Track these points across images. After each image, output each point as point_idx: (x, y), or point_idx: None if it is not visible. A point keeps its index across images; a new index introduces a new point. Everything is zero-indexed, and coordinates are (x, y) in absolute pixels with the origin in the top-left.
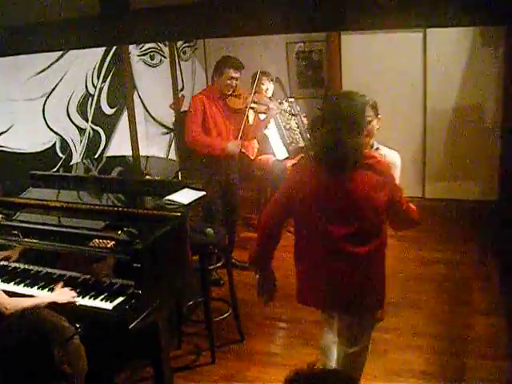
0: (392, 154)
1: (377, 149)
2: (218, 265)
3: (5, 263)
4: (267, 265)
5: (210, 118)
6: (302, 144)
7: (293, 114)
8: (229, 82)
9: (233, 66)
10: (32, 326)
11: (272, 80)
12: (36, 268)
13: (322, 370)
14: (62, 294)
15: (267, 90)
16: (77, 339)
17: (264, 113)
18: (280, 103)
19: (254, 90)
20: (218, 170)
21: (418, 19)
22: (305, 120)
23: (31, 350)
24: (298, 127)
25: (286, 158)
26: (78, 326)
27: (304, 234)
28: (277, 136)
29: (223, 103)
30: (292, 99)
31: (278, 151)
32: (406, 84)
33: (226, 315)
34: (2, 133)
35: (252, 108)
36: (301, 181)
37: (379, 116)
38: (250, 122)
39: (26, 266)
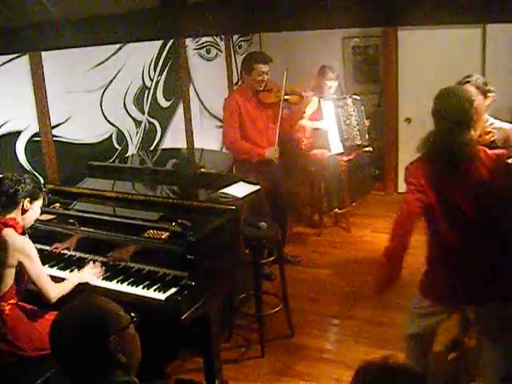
0: (506, 127)
1: (491, 124)
2: (271, 259)
3: (60, 251)
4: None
5: (246, 117)
6: (358, 142)
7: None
8: (260, 77)
9: (261, 60)
10: (89, 314)
11: (337, 77)
12: (91, 257)
13: (394, 363)
14: (90, 273)
15: (331, 86)
16: (132, 328)
17: (297, 103)
18: (344, 98)
19: (285, 83)
20: (263, 169)
21: (473, 15)
22: (367, 122)
23: (88, 338)
24: (357, 124)
25: (341, 154)
26: (133, 315)
27: (442, 233)
28: (335, 129)
29: (256, 100)
30: (357, 97)
31: (334, 145)
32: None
33: (276, 309)
34: (61, 124)
35: (286, 100)
36: (426, 182)
37: (489, 95)
38: (309, 112)
39: (82, 255)
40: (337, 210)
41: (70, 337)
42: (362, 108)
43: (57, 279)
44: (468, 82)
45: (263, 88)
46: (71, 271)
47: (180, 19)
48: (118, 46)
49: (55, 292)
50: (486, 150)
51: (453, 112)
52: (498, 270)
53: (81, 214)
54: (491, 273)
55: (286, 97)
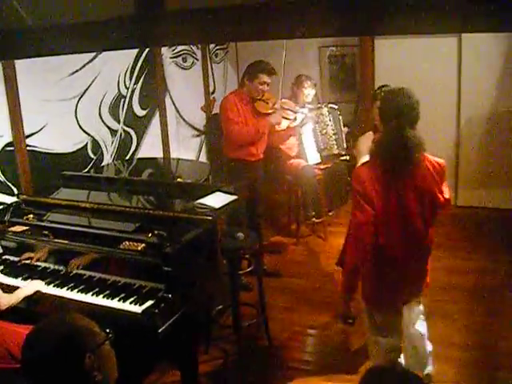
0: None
1: None
2: (248, 270)
3: (33, 262)
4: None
5: (242, 120)
6: (335, 151)
7: (329, 120)
8: (261, 86)
9: (266, 71)
10: (63, 331)
11: (314, 85)
12: (65, 269)
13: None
14: (29, 288)
15: (308, 95)
16: (108, 345)
17: (288, 119)
18: (319, 108)
19: (280, 95)
20: (245, 174)
21: (451, 25)
22: (345, 130)
23: (62, 356)
24: (334, 134)
25: (318, 164)
26: (108, 331)
27: (387, 234)
28: (311, 140)
29: (252, 107)
30: (334, 105)
31: (310, 155)
32: (440, 89)
33: (254, 320)
34: (35, 133)
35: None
36: (375, 186)
37: None
38: (283, 127)
39: (56, 267)
40: (314, 219)
41: (44, 355)
42: (340, 117)
43: None
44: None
45: (260, 97)
46: (46, 284)
47: (155, 27)
48: (92, 54)
49: (5, 300)
50: (429, 156)
51: (406, 111)
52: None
53: (55, 225)
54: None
55: (282, 111)
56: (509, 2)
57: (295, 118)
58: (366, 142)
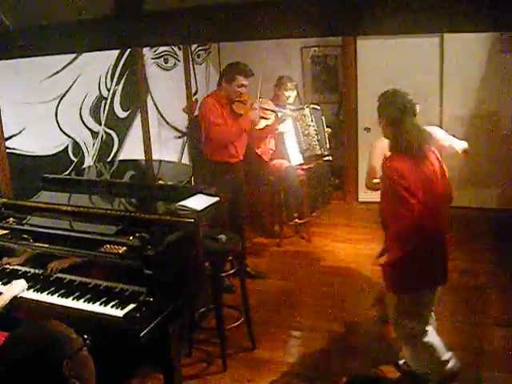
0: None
1: None
2: (230, 272)
3: (9, 266)
4: None
5: (221, 119)
6: (318, 152)
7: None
8: (238, 88)
9: (244, 73)
10: (40, 338)
11: (296, 87)
12: (46, 273)
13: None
14: (15, 287)
15: (289, 96)
16: (85, 351)
17: (266, 118)
18: (301, 108)
19: (259, 95)
20: (227, 176)
21: (435, 25)
22: (328, 130)
23: (39, 364)
24: (316, 134)
25: (301, 164)
26: (86, 336)
27: (427, 218)
28: (293, 141)
29: (230, 108)
30: (316, 106)
31: (293, 156)
32: (423, 90)
33: (237, 323)
34: (15, 135)
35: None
36: (413, 177)
37: None
38: (260, 126)
39: (36, 271)
40: (297, 220)
41: (21, 362)
42: (323, 117)
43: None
44: None
45: (239, 98)
46: (26, 289)
47: (136, 28)
48: (73, 55)
49: None
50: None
51: (409, 106)
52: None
53: (35, 228)
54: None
55: (261, 111)
56: (491, 2)
57: (275, 118)
58: (381, 145)
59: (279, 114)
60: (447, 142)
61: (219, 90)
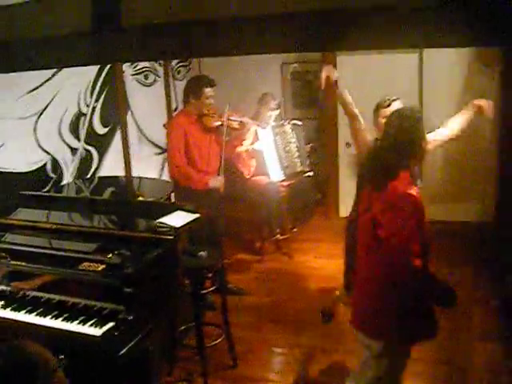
0: None
1: None
2: (211, 289)
3: None
4: None
5: (191, 140)
6: (299, 169)
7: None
8: (208, 101)
9: (209, 84)
10: (14, 359)
11: (279, 106)
12: (23, 292)
13: None
14: None
15: (271, 116)
16: (61, 372)
17: (238, 129)
18: (282, 125)
19: (227, 108)
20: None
21: (413, 39)
22: (307, 147)
23: None
24: (297, 151)
25: (282, 181)
26: (61, 357)
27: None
28: (274, 157)
29: (200, 123)
30: (298, 122)
31: (274, 172)
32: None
33: (218, 340)
34: None
35: (228, 125)
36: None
37: None
38: (248, 142)
39: (12, 289)
40: (279, 236)
41: None
42: (303, 133)
43: None
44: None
45: (208, 112)
46: (2, 308)
47: (112, 44)
48: (52, 71)
49: None
50: None
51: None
52: None
53: (12, 246)
54: None
55: (229, 122)
56: (470, 18)
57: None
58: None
59: (260, 129)
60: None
61: (187, 106)
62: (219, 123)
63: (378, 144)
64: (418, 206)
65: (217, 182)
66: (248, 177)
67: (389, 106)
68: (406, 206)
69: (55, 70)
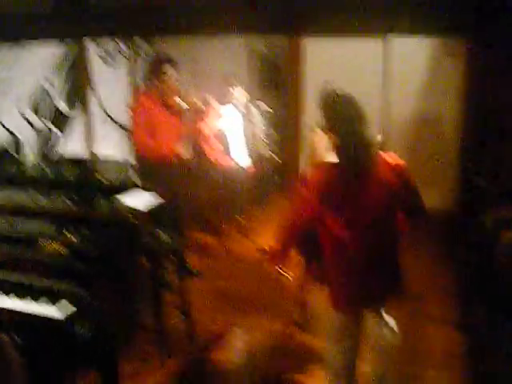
0: None
1: None
2: (169, 268)
3: None
4: None
5: (153, 120)
6: (263, 151)
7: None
8: (170, 81)
9: (169, 62)
10: None
11: (241, 85)
12: None
13: None
14: None
15: (234, 94)
16: (13, 351)
17: (200, 108)
18: (247, 106)
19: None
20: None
21: (378, 26)
22: (271, 130)
23: None
24: (262, 132)
25: (245, 162)
26: (15, 337)
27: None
28: (239, 138)
29: (163, 104)
30: (262, 103)
31: (237, 154)
32: (366, 90)
33: (177, 321)
34: None
35: (190, 104)
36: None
37: None
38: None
39: None
40: (238, 217)
41: None
42: (268, 116)
43: None
44: None
45: (170, 92)
46: None
47: (78, 21)
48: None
49: None
50: None
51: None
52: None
53: None
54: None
55: (191, 100)
56: (437, 6)
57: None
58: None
59: (225, 110)
60: None
61: (149, 87)
62: (182, 102)
63: None
64: None
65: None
66: (214, 158)
67: None
68: None
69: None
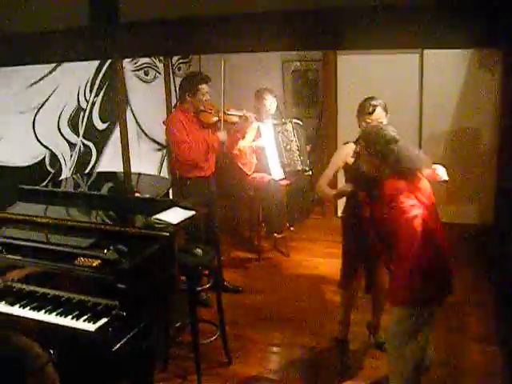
0: None
1: None
2: (206, 286)
3: None
4: None
5: (190, 137)
6: (299, 167)
7: (294, 136)
8: (204, 97)
9: (204, 81)
10: (3, 352)
11: (275, 97)
12: (19, 285)
13: None
14: None
15: (270, 107)
16: (50, 366)
17: (236, 123)
18: (283, 123)
19: (223, 103)
20: (200, 191)
21: (413, 40)
22: (307, 147)
23: (1, 379)
24: (298, 149)
25: (282, 179)
26: (51, 351)
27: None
28: (275, 154)
29: (197, 120)
30: (298, 121)
31: (275, 171)
32: (402, 106)
33: (213, 338)
34: None
35: (226, 120)
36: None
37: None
38: (249, 139)
39: (8, 283)
40: (275, 234)
41: None
42: (304, 132)
43: None
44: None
45: (204, 108)
46: None
47: (110, 39)
48: (52, 65)
49: None
50: None
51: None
52: None
53: (9, 240)
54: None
55: (226, 116)
56: (470, 19)
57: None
58: (344, 151)
59: (261, 126)
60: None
61: (183, 103)
62: (216, 119)
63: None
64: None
65: (224, 135)
66: (249, 173)
67: (372, 112)
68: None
69: (55, 64)
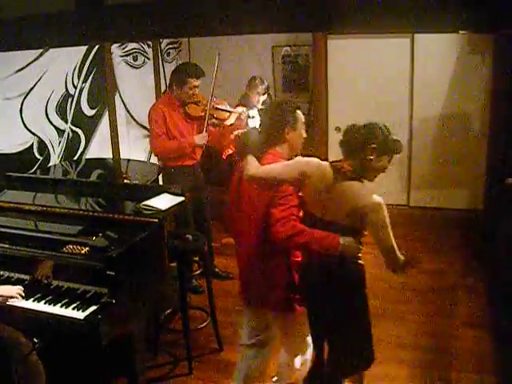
0: None
1: None
2: (197, 272)
3: None
4: None
5: (172, 127)
6: None
7: None
8: (191, 91)
9: (195, 74)
10: None
11: (268, 89)
12: (6, 274)
13: None
14: (10, 291)
15: (259, 100)
16: (35, 355)
17: (223, 119)
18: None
19: (211, 96)
20: (184, 179)
21: (404, 23)
22: None
23: None
24: None
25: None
26: (36, 340)
27: None
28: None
29: (183, 111)
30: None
31: None
32: (393, 90)
33: (204, 324)
34: None
35: (212, 115)
36: None
37: None
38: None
39: None
40: None
41: None
42: None
43: None
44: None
45: (191, 100)
46: None
47: (97, 23)
48: (38, 51)
49: None
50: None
51: None
52: None
53: None
54: None
55: (213, 111)
56: (461, 3)
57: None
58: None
59: (250, 113)
60: None
61: (170, 92)
62: (203, 113)
63: None
64: None
65: (201, 137)
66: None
67: None
68: None
69: (42, 50)
